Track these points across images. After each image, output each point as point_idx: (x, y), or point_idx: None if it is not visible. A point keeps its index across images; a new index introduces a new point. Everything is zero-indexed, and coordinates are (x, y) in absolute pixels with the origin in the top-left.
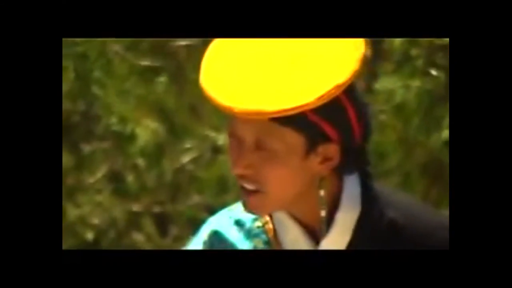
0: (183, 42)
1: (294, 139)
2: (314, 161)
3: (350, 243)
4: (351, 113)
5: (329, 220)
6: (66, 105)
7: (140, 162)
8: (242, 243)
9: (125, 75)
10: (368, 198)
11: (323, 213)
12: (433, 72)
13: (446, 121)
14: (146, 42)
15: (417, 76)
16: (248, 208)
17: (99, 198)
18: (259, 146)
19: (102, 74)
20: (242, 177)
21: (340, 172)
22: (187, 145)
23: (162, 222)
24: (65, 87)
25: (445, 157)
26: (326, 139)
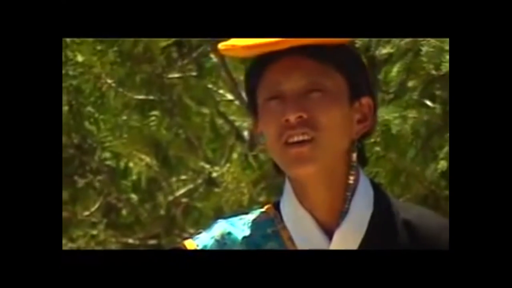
0: (177, 74)
1: (339, 79)
2: (355, 117)
3: (364, 240)
4: (370, 81)
5: (344, 212)
6: None
7: (134, 195)
8: (256, 247)
9: (119, 109)
10: (381, 198)
11: (351, 179)
12: (430, 103)
13: (443, 152)
14: (139, 75)
15: (414, 107)
16: (300, 160)
17: (93, 231)
18: (311, 89)
19: (96, 108)
20: (297, 125)
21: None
22: (182, 178)
23: None
24: None
25: (442, 188)
26: (363, 91)
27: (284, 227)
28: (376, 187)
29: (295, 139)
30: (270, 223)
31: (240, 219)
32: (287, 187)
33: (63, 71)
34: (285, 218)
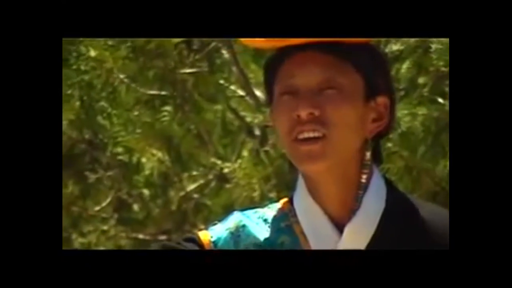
0: (189, 70)
1: (356, 77)
2: (370, 116)
3: (375, 236)
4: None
5: (355, 210)
6: (71, 134)
7: (146, 190)
8: (269, 240)
9: (131, 104)
10: (394, 196)
11: (364, 178)
12: (440, 99)
13: None
14: (151, 71)
15: (424, 104)
16: (310, 157)
17: (104, 226)
18: (326, 86)
19: (108, 103)
20: (308, 121)
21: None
22: (193, 173)
23: None
24: (71, 116)
25: None
26: (380, 91)
27: (297, 221)
28: (390, 185)
29: (305, 135)
30: (284, 217)
31: (255, 212)
32: (300, 182)
33: (75, 66)
34: (298, 212)
